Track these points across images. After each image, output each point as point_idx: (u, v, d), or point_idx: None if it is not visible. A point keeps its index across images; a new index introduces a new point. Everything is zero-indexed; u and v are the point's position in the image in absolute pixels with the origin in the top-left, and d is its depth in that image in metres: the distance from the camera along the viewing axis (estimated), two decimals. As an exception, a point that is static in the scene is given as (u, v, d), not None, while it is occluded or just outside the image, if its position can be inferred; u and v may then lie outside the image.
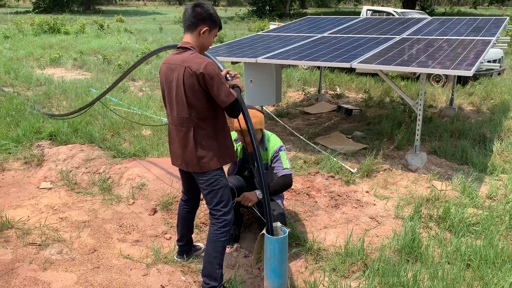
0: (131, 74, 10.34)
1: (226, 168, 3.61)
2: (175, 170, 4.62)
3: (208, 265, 2.87)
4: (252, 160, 2.98)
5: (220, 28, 2.86)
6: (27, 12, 32.96)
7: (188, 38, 2.78)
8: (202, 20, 2.74)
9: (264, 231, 2.86)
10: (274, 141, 3.51)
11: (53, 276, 3.13)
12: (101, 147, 5.45)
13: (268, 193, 2.81)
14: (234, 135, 3.54)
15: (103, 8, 43.94)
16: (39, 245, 3.50)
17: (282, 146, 3.50)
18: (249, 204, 3.33)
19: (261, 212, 3.45)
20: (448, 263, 3.25)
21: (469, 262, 3.25)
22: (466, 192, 4.41)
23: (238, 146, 3.55)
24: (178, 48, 2.79)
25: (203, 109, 2.72)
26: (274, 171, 3.46)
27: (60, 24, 19.13)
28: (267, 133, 3.57)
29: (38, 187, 4.60)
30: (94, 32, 18.86)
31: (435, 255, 3.36)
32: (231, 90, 2.70)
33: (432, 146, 5.72)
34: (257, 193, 3.35)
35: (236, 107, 2.69)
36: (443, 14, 32.56)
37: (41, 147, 5.40)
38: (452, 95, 7.65)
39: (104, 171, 4.78)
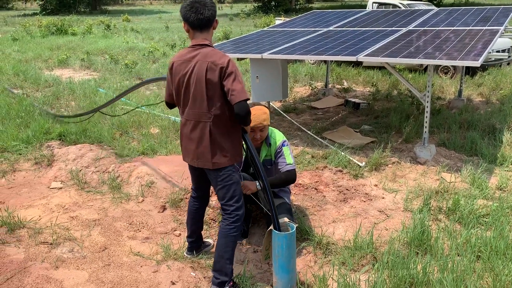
0: (138, 74, 10.40)
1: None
2: (184, 167, 4.63)
3: (219, 259, 2.89)
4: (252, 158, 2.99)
5: None
6: (34, 14, 33.24)
7: (203, 37, 2.81)
8: (215, 16, 2.83)
9: (271, 227, 2.87)
10: (277, 137, 3.53)
11: (64, 274, 3.18)
12: (110, 146, 5.49)
13: (270, 189, 2.82)
14: None
15: (110, 8, 44.13)
16: (51, 244, 3.54)
17: (285, 141, 3.51)
18: (248, 192, 3.32)
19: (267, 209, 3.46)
20: (458, 255, 3.23)
21: (479, 254, 3.23)
22: (475, 183, 4.38)
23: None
24: (193, 45, 2.81)
25: (221, 106, 2.75)
26: (278, 167, 3.47)
27: (67, 25, 19.26)
28: (270, 128, 3.58)
29: (48, 187, 4.66)
30: (101, 33, 18.96)
31: (445, 247, 3.35)
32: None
33: (441, 138, 5.68)
34: (257, 183, 3.35)
35: (246, 107, 2.65)
36: (452, 4, 32.22)
37: (51, 148, 5.46)
38: (461, 86, 7.58)
39: (113, 170, 4.82)
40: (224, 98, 2.75)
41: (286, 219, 2.95)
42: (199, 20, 2.75)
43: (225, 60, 2.70)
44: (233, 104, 2.65)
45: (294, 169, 3.45)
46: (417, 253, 3.30)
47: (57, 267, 3.25)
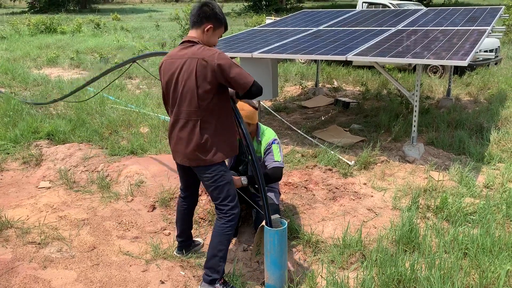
0: (128, 72, 10.33)
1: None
2: (173, 166, 4.62)
3: (212, 257, 2.88)
4: (246, 152, 2.98)
5: (226, 28, 2.92)
6: (23, 12, 32.87)
7: (193, 34, 2.83)
8: (206, 18, 2.79)
9: (263, 223, 2.89)
10: (268, 134, 3.54)
11: (53, 274, 3.16)
12: (99, 146, 5.46)
13: (264, 184, 2.83)
14: None
15: (99, 6, 43.76)
16: (39, 243, 3.52)
17: (275, 139, 3.53)
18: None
19: (257, 205, 3.48)
20: (446, 252, 3.26)
21: (466, 251, 3.26)
22: (463, 181, 4.43)
23: None
24: (183, 42, 2.82)
25: (211, 102, 2.73)
26: (265, 163, 3.48)
27: (57, 24, 19.07)
28: (262, 126, 3.59)
29: (37, 186, 4.62)
30: (90, 31, 18.83)
31: (433, 245, 3.38)
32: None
33: (429, 137, 5.74)
34: (242, 179, 3.37)
35: (259, 86, 2.72)
36: (441, 5, 32.47)
37: (39, 147, 5.41)
38: (449, 85, 7.66)
39: (102, 169, 4.79)
40: (215, 94, 2.72)
41: (277, 215, 2.96)
42: (191, 17, 2.82)
43: (215, 57, 2.67)
44: (246, 89, 2.68)
45: (282, 167, 3.46)
46: (405, 250, 3.33)
47: (45, 267, 3.23)
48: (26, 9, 36.75)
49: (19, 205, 4.19)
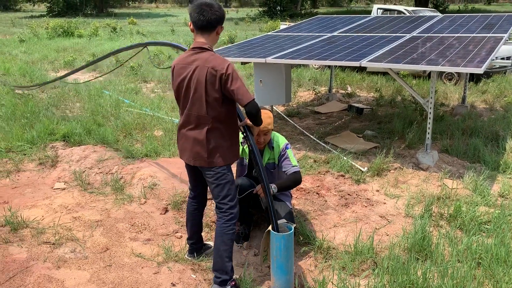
0: (143, 76, 10.44)
1: (233, 168, 3.63)
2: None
3: (218, 259, 2.92)
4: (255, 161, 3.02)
5: None
6: (41, 16, 33.49)
7: (203, 39, 2.84)
8: (220, 22, 2.84)
9: (269, 228, 2.89)
10: (280, 140, 3.56)
11: (66, 274, 3.20)
12: (114, 148, 5.53)
13: (270, 190, 2.87)
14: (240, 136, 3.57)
15: (116, 11, 44.33)
16: (53, 244, 3.57)
17: (288, 144, 3.56)
18: (263, 195, 3.37)
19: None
20: (459, 262, 3.23)
21: (480, 261, 3.22)
22: (477, 190, 4.37)
23: (245, 147, 3.58)
24: (194, 48, 2.84)
25: (219, 109, 2.82)
26: (283, 169, 3.50)
27: (74, 28, 19.40)
28: (273, 132, 3.60)
29: (52, 187, 4.69)
30: (107, 35, 19.08)
31: (446, 254, 3.35)
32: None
33: (443, 145, 5.68)
34: (272, 187, 3.35)
35: (256, 105, 2.77)
36: (458, 11, 32.19)
37: (55, 148, 5.50)
38: (464, 93, 7.58)
39: (116, 171, 4.85)
40: (222, 102, 2.81)
41: (284, 220, 2.97)
42: (201, 22, 2.79)
43: (225, 65, 2.74)
44: (242, 106, 2.75)
45: (300, 170, 3.50)
46: (418, 258, 3.30)
47: (59, 267, 3.28)
48: (45, 13, 37.41)
49: (35, 205, 4.26)
